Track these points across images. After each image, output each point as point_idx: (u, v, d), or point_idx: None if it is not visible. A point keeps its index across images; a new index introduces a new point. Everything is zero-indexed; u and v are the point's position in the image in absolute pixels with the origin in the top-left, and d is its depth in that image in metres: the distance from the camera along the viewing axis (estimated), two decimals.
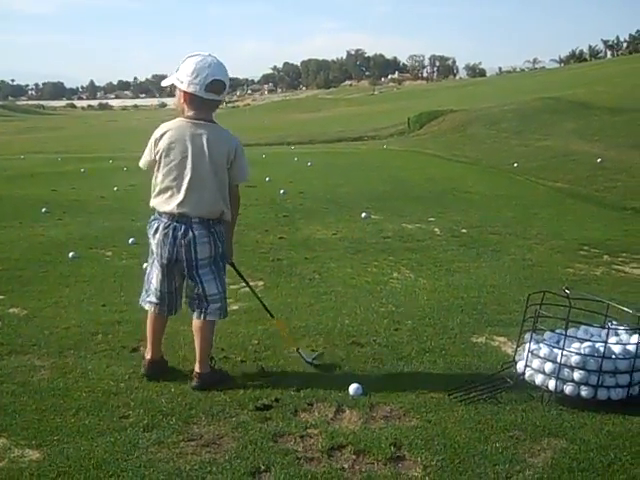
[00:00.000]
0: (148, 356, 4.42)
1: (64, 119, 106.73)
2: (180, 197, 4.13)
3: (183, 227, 4.13)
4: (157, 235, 4.19)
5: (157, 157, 4.19)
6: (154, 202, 4.25)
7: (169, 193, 4.17)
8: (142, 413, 3.89)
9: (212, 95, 4.11)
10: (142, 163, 4.33)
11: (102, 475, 3.25)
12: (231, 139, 4.26)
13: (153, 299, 4.35)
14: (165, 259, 4.19)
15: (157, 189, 4.22)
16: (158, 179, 4.21)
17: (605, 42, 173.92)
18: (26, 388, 4.24)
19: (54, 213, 11.32)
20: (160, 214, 4.22)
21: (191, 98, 4.12)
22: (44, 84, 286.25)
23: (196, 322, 4.35)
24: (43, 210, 11.46)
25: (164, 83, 4.39)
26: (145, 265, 4.61)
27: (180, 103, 4.21)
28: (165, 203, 4.18)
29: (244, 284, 6.30)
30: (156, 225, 4.22)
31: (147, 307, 4.42)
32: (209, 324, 4.36)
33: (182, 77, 4.11)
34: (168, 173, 4.16)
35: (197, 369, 4.32)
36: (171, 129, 4.18)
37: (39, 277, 7.07)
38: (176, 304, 4.42)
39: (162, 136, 4.17)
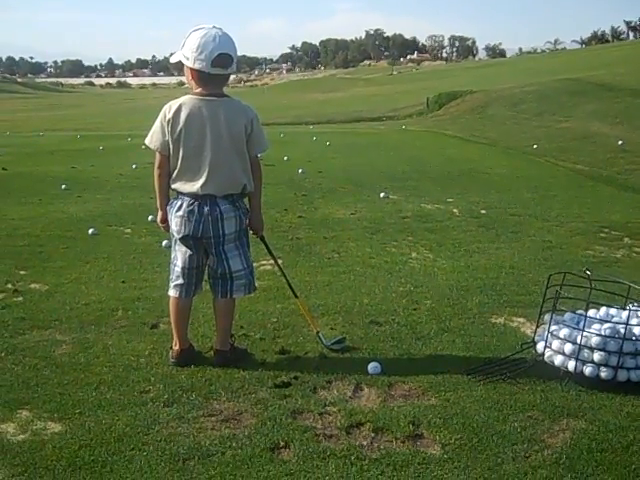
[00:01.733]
0: (177, 347, 4.32)
1: (82, 97, 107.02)
2: (203, 178, 4.06)
3: (209, 203, 4.09)
4: (180, 212, 4.11)
5: (173, 138, 4.07)
6: (175, 185, 4.17)
7: (190, 174, 4.09)
8: (162, 388, 3.92)
9: (219, 70, 4.00)
10: (154, 144, 4.16)
11: (123, 448, 3.29)
12: (247, 110, 4.19)
13: (179, 281, 4.27)
14: (190, 235, 4.12)
15: (176, 171, 4.13)
16: (177, 161, 4.11)
17: (628, 23, 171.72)
18: (48, 362, 4.29)
19: (73, 190, 11.37)
20: (181, 194, 4.16)
21: (199, 75, 4.02)
22: (63, 62, 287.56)
23: (220, 301, 4.33)
24: (62, 187, 11.52)
25: (172, 60, 4.26)
26: (165, 243, 4.59)
27: (189, 80, 4.14)
28: (187, 185, 4.11)
29: (263, 262, 6.36)
30: (179, 203, 4.14)
31: (172, 294, 4.31)
32: (232, 302, 4.37)
33: (187, 53, 4.01)
34: (187, 154, 4.08)
35: (218, 346, 4.34)
36: (183, 107, 4.06)
37: (59, 253, 7.12)
38: (201, 283, 4.39)
39: (175, 115, 4.06)
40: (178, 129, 4.05)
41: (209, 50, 3.94)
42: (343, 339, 4.63)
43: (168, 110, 4.10)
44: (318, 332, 4.62)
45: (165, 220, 4.29)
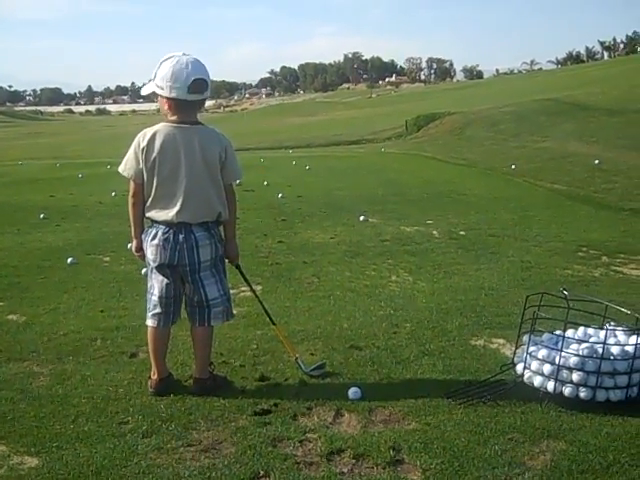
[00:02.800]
0: (155, 376, 4.28)
1: (62, 125, 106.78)
2: (177, 206, 4.05)
3: (184, 231, 4.08)
4: (155, 241, 4.10)
5: (147, 166, 4.05)
6: (149, 213, 4.15)
7: (164, 202, 4.08)
8: (141, 419, 3.89)
9: (196, 96, 4.02)
10: (127, 172, 4.13)
11: None
12: (221, 139, 4.20)
13: (157, 310, 4.24)
14: (166, 263, 4.11)
15: (150, 199, 4.11)
16: (151, 189, 4.09)
17: (602, 43, 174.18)
18: (25, 395, 4.24)
19: (52, 219, 11.31)
20: (155, 222, 4.14)
21: (175, 103, 4.02)
22: (42, 90, 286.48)
23: (198, 329, 4.32)
24: (41, 216, 11.46)
25: (144, 92, 4.22)
26: (144, 271, 4.56)
27: (165, 109, 4.11)
28: (161, 213, 4.09)
29: (242, 288, 6.33)
30: (154, 231, 4.13)
31: (150, 323, 4.28)
32: (210, 330, 4.36)
33: (161, 83, 4.00)
34: (161, 182, 4.06)
35: (197, 375, 4.32)
36: (157, 135, 4.05)
37: (37, 283, 7.07)
38: (179, 311, 4.36)
39: (149, 143, 4.04)
40: (152, 157, 4.04)
41: (184, 77, 3.95)
42: (323, 364, 4.60)
43: (142, 138, 4.08)
44: (297, 358, 4.59)
45: (140, 249, 4.28)
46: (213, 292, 4.25)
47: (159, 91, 4.04)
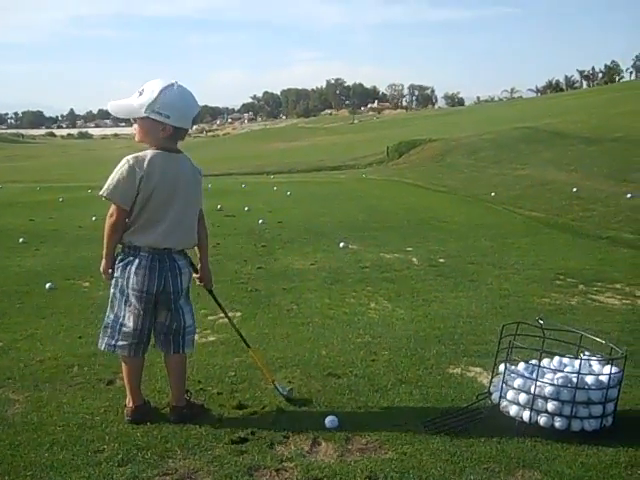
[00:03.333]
0: (131, 404, 4.25)
1: (43, 148, 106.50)
2: (164, 231, 4.05)
3: (167, 257, 4.09)
4: (140, 269, 4.06)
5: (144, 193, 4.00)
6: (130, 238, 4.10)
7: (152, 228, 4.05)
8: (117, 447, 3.86)
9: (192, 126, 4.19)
10: (117, 198, 4.03)
11: None
12: (197, 167, 4.31)
13: (129, 340, 4.19)
14: (154, 291, 4.08)
15: (135, 225, 4.07)
16: (140, 215, 4.05)
17: (581, 72, 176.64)
18: (0, 422, 4.21)
19: (31, 243, 11.26)
20: (136, 248, 4.10)
21: (176, 132, 4.06)
22: (23, 113, 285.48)
23: (174, 357, 4.29)
24: (20, 240, 11.40)
25: (138, 114, 4.05)
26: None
27: (158, 136, 4.05)
28: (146, 238, 4.06)
29: (221, 315, 6.32)
30: (136, 259, 4.08)
31: (122, 352, 4.24)
32: (185, 357, 4.36)
33: (166, 111, 3.96)
34: (155, 209, 4.04)
35: (174, 402, 4.30)
36: (155, 163, 4.02)
37: (15, 309, 7.02)
38: (149, 341, 4.33)
39: (150, 171, 4.00)
40: (152, 185, 4.00)
41: (192, 108, 4.10)
42: (292, 389, 4.63)
43: (137, 165, 4.00)
44: (274, 381, 4.60)
45: (109, 268, 4.22)
46: (189, 319, 4.28)
47: (160, 118, 3.99)
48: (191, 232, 4.23)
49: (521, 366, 4.29)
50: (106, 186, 4.06)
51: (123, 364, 4.31)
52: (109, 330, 4.27)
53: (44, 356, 5.49)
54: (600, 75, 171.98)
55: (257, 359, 4.75)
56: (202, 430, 4.08)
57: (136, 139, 4.18)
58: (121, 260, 4.17)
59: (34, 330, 6.23)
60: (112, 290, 4.26)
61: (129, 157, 4.07)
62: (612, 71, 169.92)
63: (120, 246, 4.19)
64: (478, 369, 5.11)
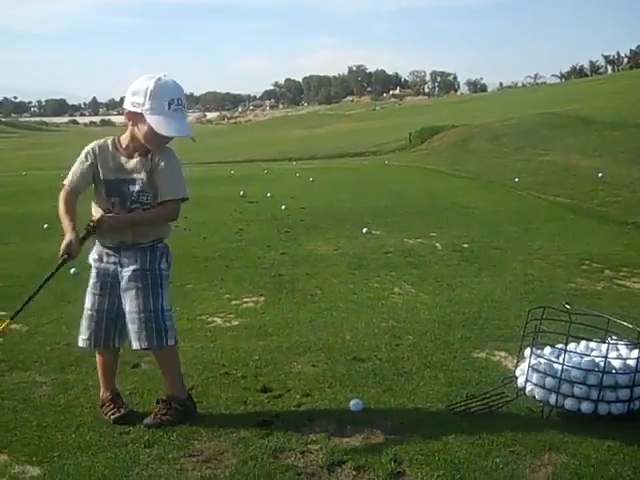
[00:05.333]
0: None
1: (66, 135, 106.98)
2: None
3: None
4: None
5: None
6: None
7: None
8: (143, 429, 3.89)
9: None
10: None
11: None
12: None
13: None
14: None
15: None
16: None
17: (606, 57, 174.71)
18: (27, 404, 4.25)
19: (56, 229, 11.23)
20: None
21: None
22: (47, 101, 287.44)
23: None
24: (45, 226, 11.47)
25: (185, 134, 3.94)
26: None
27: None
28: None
29: (245, 299, 6.39)
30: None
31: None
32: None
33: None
34: None
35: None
36: None
37: (40, 294, 7.04)
38: None
39: None
40: None
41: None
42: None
43: None
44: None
45: None
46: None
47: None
48: None
49: (547, 350, 4.26)
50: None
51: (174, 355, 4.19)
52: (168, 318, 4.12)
53: (70, 340, 5.50)
54: (625, 60, 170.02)
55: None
56: (227, 413, 4.11)
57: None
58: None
59: (59, 314, 6.28)
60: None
61: None
62: (638, 56, 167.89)
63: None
64: (503, 353, 5.08)
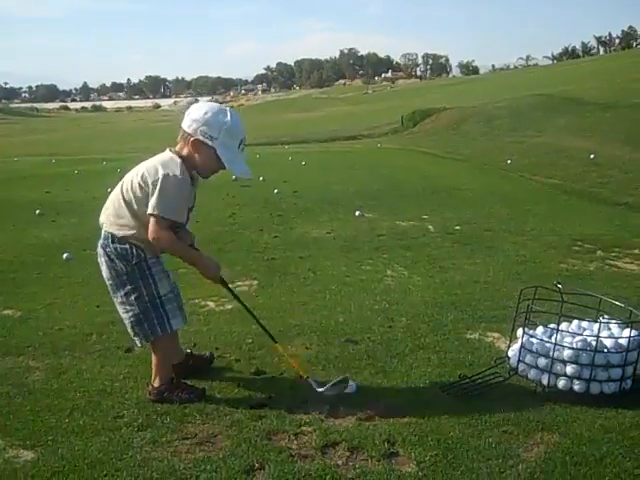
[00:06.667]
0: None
1: (57, 121, 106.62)
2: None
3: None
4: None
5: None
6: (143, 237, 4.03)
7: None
8: (136, 412, 3.89)
9: None
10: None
11: (96, 475, 3.25)
12: (157, 174, 4.02)
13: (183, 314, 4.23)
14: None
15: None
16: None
17: (598, 38, 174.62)
18: (20, 389, 4.25)
19: (48, 215, 11.31)
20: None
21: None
22: (37, 87, 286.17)
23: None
24: (37, 212, 11.47)
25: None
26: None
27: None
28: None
29: (238, 283, 6.37)
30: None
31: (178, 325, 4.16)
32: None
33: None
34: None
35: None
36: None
37: (33, 279, 7.07)
38: None
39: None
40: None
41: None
42: (345, 379, 4.14)
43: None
44: (307, 378, 4.19)
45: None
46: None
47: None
48: (109, 210, 4.22)
49: (539, 330, 4.27)
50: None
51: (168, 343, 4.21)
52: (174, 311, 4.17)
53: (63, 325, 5.52)
54: (617, 41, 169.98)
55: (286, 355, 4.41)
56: (220, 396, 4.11)
57: None
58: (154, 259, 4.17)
59: (52, 299, 6.28)
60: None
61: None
62: (629, 37, 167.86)
63: None
64: (496, 334, 5.09)
